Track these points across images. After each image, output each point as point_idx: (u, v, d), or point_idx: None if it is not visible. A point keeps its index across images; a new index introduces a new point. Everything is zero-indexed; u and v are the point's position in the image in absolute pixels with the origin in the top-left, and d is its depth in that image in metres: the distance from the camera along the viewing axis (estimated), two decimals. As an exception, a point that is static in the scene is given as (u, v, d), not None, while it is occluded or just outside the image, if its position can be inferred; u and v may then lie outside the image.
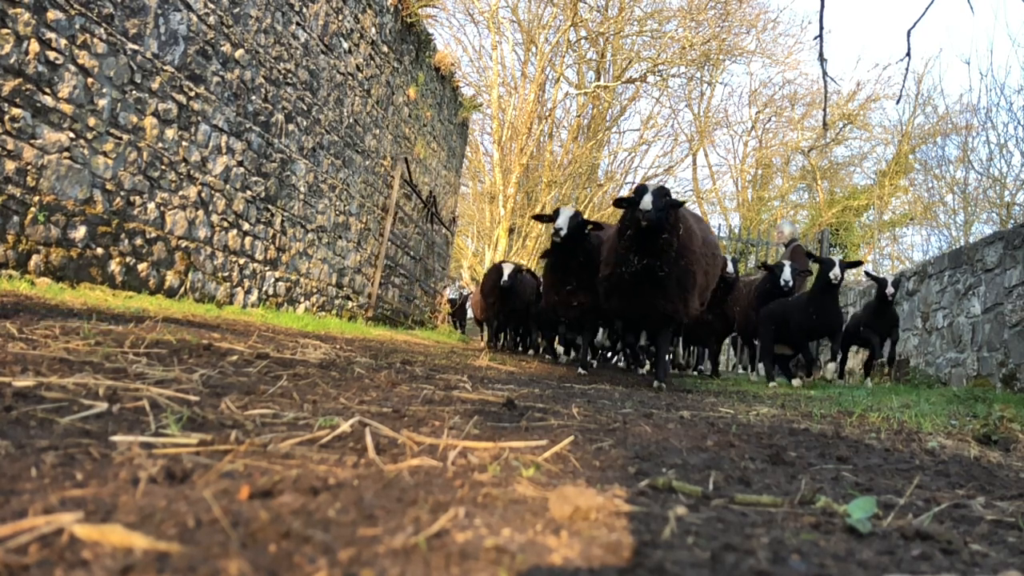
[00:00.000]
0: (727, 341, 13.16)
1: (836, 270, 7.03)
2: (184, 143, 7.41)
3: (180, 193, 7.43)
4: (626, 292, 5.28)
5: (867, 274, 8.10)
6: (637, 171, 27.90)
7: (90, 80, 6.05)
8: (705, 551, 0.90)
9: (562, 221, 6.08)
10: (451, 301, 18.78)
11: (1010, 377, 7.79)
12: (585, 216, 7.05)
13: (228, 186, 8.27)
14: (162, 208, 7.17)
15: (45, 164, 5.67)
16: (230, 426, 1.39)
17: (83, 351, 2.11)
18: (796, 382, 7.68)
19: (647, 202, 4.85)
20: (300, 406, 1.74)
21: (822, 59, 5.52)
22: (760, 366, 9.65)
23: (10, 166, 5.36)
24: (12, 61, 5.30)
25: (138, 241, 6.83)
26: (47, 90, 5.63)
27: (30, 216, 5.57)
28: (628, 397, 3.70)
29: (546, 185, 22.68)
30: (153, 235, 7.06)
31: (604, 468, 1.43)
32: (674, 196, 5.28)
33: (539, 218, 6.72)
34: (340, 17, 10.55)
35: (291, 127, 9.57)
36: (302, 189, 10.03)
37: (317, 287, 10.73)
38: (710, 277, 5.94)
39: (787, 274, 8.08)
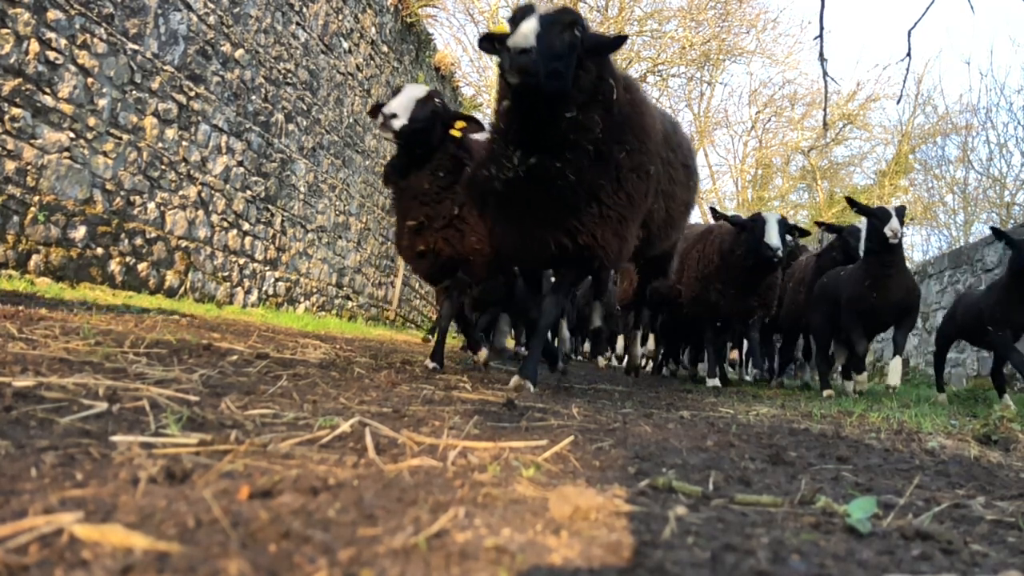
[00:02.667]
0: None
1: (894, 223, 4.83)
2: (184, 143, 7.41)
3: (180, 193, 7.43)
4: (508, 207, 3.19)
5: (994, 231, 5.70)
6: (637, 171, 27.86)
7: (90, 80, 6.05)
8: (705, 551, 0.90)
9: (398, 105, 3.52)
10: None
11: (1010, 377, 7.78)
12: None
13: (228, 186, 8.27)
14: (162, 208, 7.17)
15: (45, 164, 5.67)
16: (230, 426, 1.39)
17: (83, 351, 2.11)
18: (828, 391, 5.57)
19: (525, 34, 2.54)
20: (300, 406, 1.74)
21: (822, 59, 5.53)
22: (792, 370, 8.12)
23: (10, 166, 5.36)
24: (12, 61, 5.30)
25: (138, 241, 6.83)
26: (47, 90, 5.63)
27: (30, 216, 5.57)
28: (628, 397, 3.70)
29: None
30: (153, 235, 7.06)
31: (604, 468, 1.43)
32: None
33: (373, 113, 3.75)
34: (340, 17, 10.55)
35: (291, 127, 9.57)
36: (302, 189, 10.03)
37: (317, 287, 10.73)
38: (673, 203, 3.78)
39: (895, 224, 5.15)
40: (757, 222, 5.22)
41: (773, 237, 5.06)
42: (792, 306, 6.65)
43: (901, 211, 5.03)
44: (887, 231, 4.84)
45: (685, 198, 3.96)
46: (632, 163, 3.20)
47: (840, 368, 6.19)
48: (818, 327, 6.01)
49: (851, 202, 5.55)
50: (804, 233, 5.98)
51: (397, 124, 3.50)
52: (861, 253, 5.41)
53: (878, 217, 4.97)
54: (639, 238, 3.60)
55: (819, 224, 6.62)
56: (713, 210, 7.78)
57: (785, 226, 5.22)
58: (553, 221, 3.14)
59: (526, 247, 3.28)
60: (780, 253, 5.04)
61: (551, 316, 3.45)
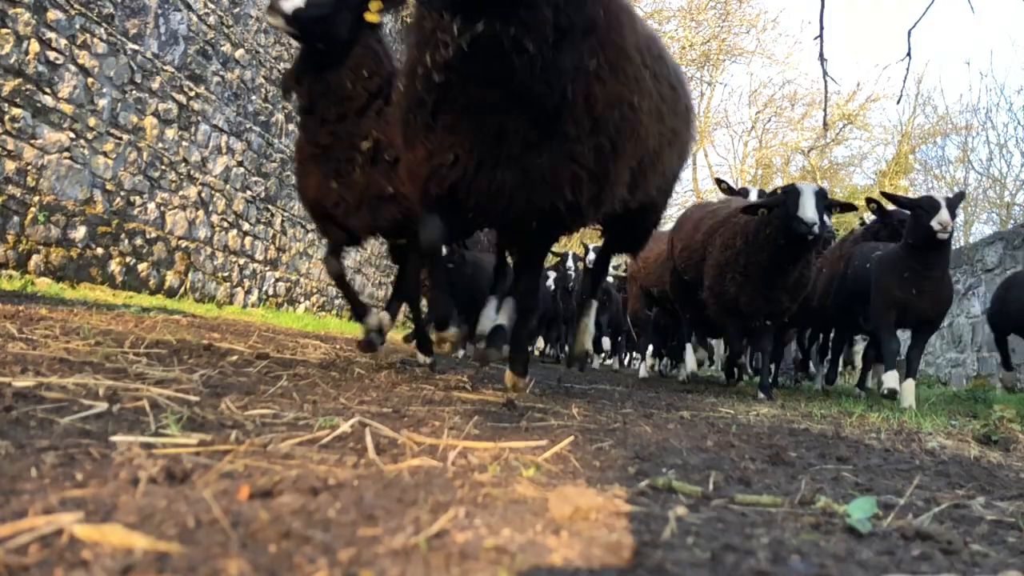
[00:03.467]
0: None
1: (944, 214, 4.14)
2: (184, 143, 7.41)
3: (180, 193, 7.43)
4: (456, 113, 2.32)
5: None
6: (637, 171, 27.89)
7: (90, 80, 6.06)
8: (705, 551, 0.90)
9: None
10: None
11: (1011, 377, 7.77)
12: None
13: (228, 186, 8.27)
14: (162, 208, 7.17)
15: (45, 164, 5.67)
16: (230, 426, 1.39)
17: (83, 351, 2.11)
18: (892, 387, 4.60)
19: None
20: (300, 406, 1.74)
21: (822, 59, 5.53)
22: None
23: (10, 166, 5.36)
24: (12, 61, 5.30)
25: (138, 241, 6.83)
26: (47, 90, 5.63)
27: (30, 216, 5.57)
28: (628, 397, 3.70)
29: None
30: (153, 235, 7.06)
31: (604, 468, 1.43)
32: None
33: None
34: (340, 17, 10.57)
35: (291, 127, 9.57)
36: (302, 189, 10.04)
37: (317, 287, 10.72)
38: (663, 126, 2.81)
39: (944, 216, 4.21)
40: (790, 194, 4.46)
41: (808, 210, 4.26)
42: (826, 296, 5.77)
43: (956, 201, 4.23)
44: (935, 224, 4.13)
45: (673, 124, 2.97)
46: (607, 86, 2.37)
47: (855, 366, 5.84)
48: (838, 312, 5.51)
49: (888, 196, 4.81)
50: (847, 208, 5.04)
51: (288, 6, 2.69)
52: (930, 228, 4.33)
53: (924, 208, 4.21)
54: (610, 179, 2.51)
55: (869, 202, 5.59)
56: (719, 181, 6.56)
57: (824, 199, 4.43)
58: (527, 135, 2.30)
59: (488, 185, 2.36)
60: (816, 230, 4.27)
61: (531, 300, 2.84)
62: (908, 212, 4.53)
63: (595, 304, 3.75)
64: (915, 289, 4.39)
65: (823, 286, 5.77)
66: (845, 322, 5.72)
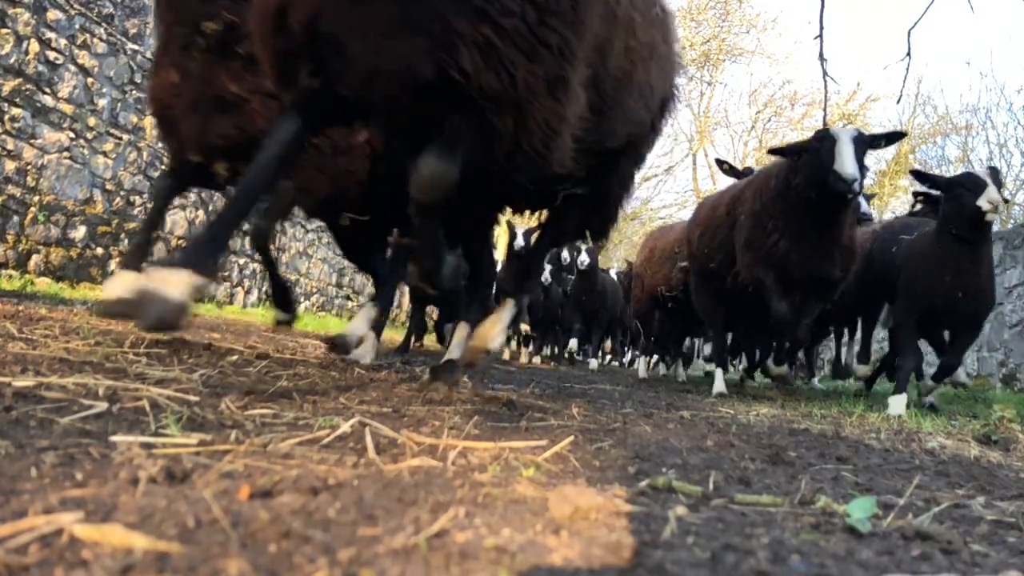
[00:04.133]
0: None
1: (992, 192, 3.54)
2: (184, 143, 7.43)
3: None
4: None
5: None
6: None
7: (90, 80, 6.06)
8: (705, 551, 0.90)
9: None
10: None
11: (1010, 377, 7.79)
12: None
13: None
14: (162, 208, 7.19)
15: (45, 164, 5.67)
16: (230, 426, 1.39)
17: (83, 351, 2.11)
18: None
19: None
20: (300, 406, 1.74)
21: (822, 59, 5.53)
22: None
23: (10, 166, 5.36)
24: (12, 61, 5.30)
25: (138, 241, 6.84)
26: (47, 90, 5.63)
27: (30, 216, 5.57)
28: (628, 397, 3.71)
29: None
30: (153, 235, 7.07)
31: (604, 468, 1.43)
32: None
33: None
34: (340, 17, 10.56)
35: (291, 127, 9.58)
36: (302, 189, 10.04)
37: (317, 287, 10.72)
38: (636, 41, 2.21)
39: (994, 193, 3.58)
40: (824, 140, 3.69)
41: (847, 164, 3.51)
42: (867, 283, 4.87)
43: (997, 175, 3.68)
44: (984, 203, 3.49)
45: (648, 39, 2.29)
46: None
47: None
48: (862, 299, 4.92)
49: (918, 174, 4.19)
50: (895, 138, 4.21)
51: None
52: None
53: (966, 187, 3.59)
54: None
55: (916, 196, 4.83)
56: (720, 161, 6.06)
57: (864, 145, 3.67)
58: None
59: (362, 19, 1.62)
60: (856, 187, 3.57)
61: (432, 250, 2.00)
62: (943, 193, 3.84)
63: (513, 303, 2.77)
64: (962, 292, 3.72)
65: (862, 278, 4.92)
66: (871, 310, 5.22)
